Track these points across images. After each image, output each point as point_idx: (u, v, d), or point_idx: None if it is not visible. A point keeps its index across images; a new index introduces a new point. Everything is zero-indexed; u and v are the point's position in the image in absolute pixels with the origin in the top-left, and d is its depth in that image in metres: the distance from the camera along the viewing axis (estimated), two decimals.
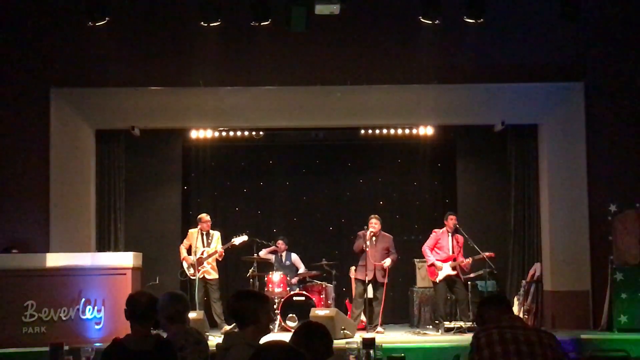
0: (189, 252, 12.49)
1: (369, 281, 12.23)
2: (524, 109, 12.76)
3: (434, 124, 13.70)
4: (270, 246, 13.38)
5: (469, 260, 12.23)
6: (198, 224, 12.59)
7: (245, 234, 12.61)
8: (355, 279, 12.58)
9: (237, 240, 12.50)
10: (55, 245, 11.95)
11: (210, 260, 12.40)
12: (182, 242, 12.79)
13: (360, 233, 12.47)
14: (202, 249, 12.42)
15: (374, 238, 12.29)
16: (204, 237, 12.53)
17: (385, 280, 12.35)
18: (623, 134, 12.36)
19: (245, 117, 13.10)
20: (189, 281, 12.41)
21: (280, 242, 13.49)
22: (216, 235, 12.62)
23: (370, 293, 12.29)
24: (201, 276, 12.34)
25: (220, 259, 12.54)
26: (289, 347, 3.57)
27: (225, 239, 12.64)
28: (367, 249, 12.20)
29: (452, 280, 12.21)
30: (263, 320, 4.85)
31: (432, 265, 12.27)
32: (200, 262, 12.34)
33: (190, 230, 12.68)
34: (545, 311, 12.38)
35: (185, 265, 12.49)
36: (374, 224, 12.32)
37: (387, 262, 12.23)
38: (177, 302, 5.66)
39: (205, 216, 12.64)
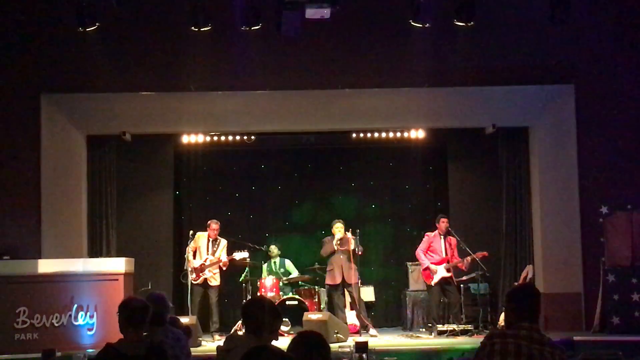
0: (194, 255, 12.42)
1: (340, 284, 12.35)
2: (514, 112, 12.80)
3: (425, 127, 13.71)
4: (262, 251, 13.35)
5: (468, 259, 12.22)
6: (207, 229, 12.54)
7: (247, 251, 12.58)
8: (328, 285, 12.66)
9: (238, 256, 12.45)
10: (47, 251, 11.93)
11: (211, 268, 12.34)
12: (176, 248, 12.76)
13: (326, 239, 12.56)
14: (207, 256, 12.37)
15: (339, 242, 12.35)
16: (211, 243, 12.49)
17: (356, 280, 12.36)
18: (613, 136, 12.39)
19: (237, 122, 13.10)
20: (187, 285, 12.32)
21: (272, 247, 13.48)
22: (223, 243, 12.53)
23: (348, 296, 12.39)
24: (202, 281, 12.30)
25: (224, 268, 12.51)
26: (280, 351, 3.58)
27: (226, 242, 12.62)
28: (336, 253, 12.35)
29: (447, 282, 12.22)
30: (268, 328, 4.93)
31: (427, 268, 12.28)
32: (202, 268, 12.28)
33: (198, 233, 12.57)
34: None
35: (189, 269, 12.40)
36: (340, 228, 12.40)
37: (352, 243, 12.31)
38: (156, 304, 5.70)
39: (214, 223, 12.57)
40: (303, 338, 4.35)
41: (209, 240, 12.47)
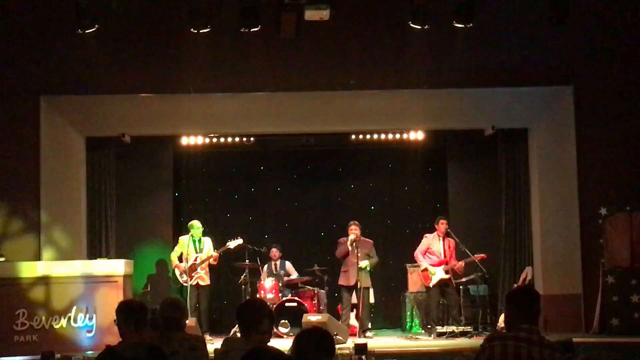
0: (180, 259, 12.45)
1: (353, 287, 12.29)
2: (514, 113, 12.79)
3: (425, 128, 13.71)
4: (262, 253, 13.33)
5: (462, 263, 12.25)
6: (189, 230, 12.56)
7: (240, 238, 12.58)
8: (340, 285, 12.63)
9: (232, 244, 12.48)
10: (46, 253, 11.92)
11: (203, 265, 12.38)
12: (172, 250, 12.77)
13: (342, 240, 12.52)
14: (195, 255, 12.41)
15: (354, 244, 12.33)
16: (196, 243, 12.52)
17: (369, 285, 12.34)
18: (612, 137, 12.39)
19: (236, 124, 13.09)
20: (181, 288, 12.37)
21: (274, 249, 13.46)
22: (207, 241, 12.61)
23: (354, 298, 12.36)
24: (194, 282, 12.32)
25: (215, 263, 12.54)
26: (278, 352, 3.59)
27: (217, 245, 12.63)
28: (350, 255, 12.27)
29: (445, 284, 12.22)
30: (263, 329, 4.92)
31: (425, 270, 12.27)
32: (193, 268, 12.32)
33: (180, 238, 12.64)
34: None
35: (177, 272, 12.45)
36: (354, 229, 12.38)
37: (363, 263, 12.27)
38: (173, 309, 5.68)
39: (196, 223, 12.62)
40: (307, 334, 4.36)
41: (193, 241, 12.51)
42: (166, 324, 5.65)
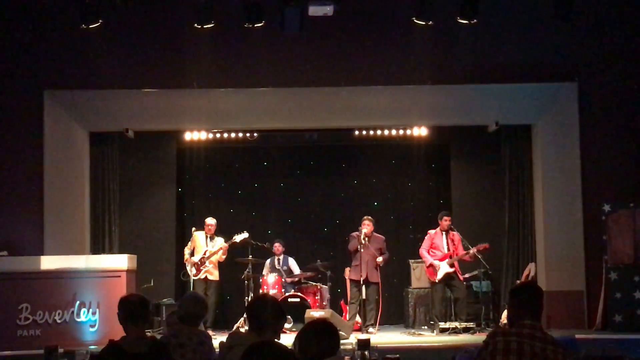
0: (192, 254, 12.46)
1: (363, 281, 12.27)
2: (517, 110, 12.78)
3: (428, 124, 13.70)
4: (265, 248, 13.32)
5: (471, 251, 12.14)
6: (203, 227, 12.59)
7: (246, 232, 12.60)
8: (350, 279, 12.63)
9: (238, 238, 12.50)
10: (49, 248, 11.94)
11: (212, 259, 12.40)
12: (178, 245, 12.84)
13: (354, 234, 12.50)
14: (205, 249, 12.43)
15: (366, 239, 12.30)
16: (208, 240, 12.54)
17: (378, 280, 12.37)
18: (616, 134, 12.38)
19: (239, 119, 13.10)
20: (190, 282, 12.36)
21: (277, 244, 13.45)
22: (220, 240, 12.60)
23: (363, 294, 12.32)
24: (203, 276, 12.36)
25: (224, 256, 12.53)
26: (280, 346, 3.59)
27: (224, 240, 12.64)
28: (361, 250, 12.22)
29: (451, 277, 12.18)
30: (271, 327, 4.95)
31: (431, 266, 12.25)
32: (202, 261, 12.34)
33: (195, 233, 12.62)
34: None
35: (188, 266, 12.45)
36: (367, 224, 12.36)
37: (380, 258, 12.28)
38: (197, 305, 5.70)
39: (210, 220, 12.64)
40: (311, 326, 4.36)
41: (206, 237, 12.54)
42: (186, 319, 5.67)
